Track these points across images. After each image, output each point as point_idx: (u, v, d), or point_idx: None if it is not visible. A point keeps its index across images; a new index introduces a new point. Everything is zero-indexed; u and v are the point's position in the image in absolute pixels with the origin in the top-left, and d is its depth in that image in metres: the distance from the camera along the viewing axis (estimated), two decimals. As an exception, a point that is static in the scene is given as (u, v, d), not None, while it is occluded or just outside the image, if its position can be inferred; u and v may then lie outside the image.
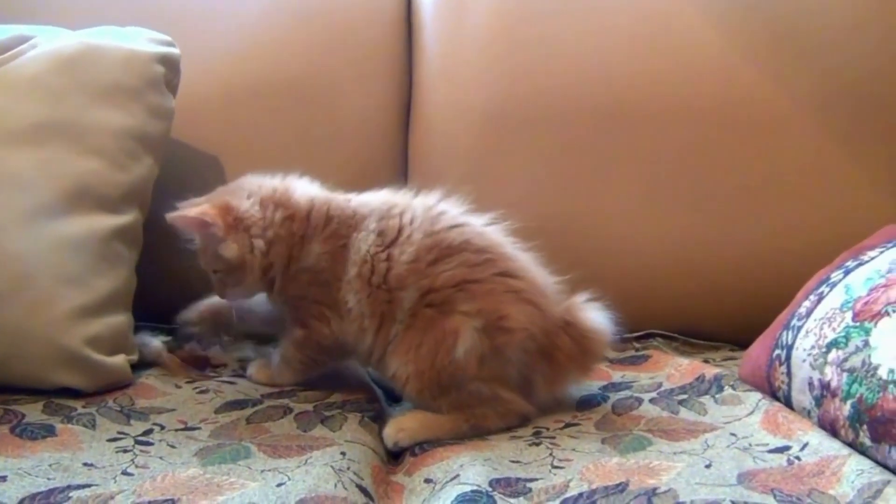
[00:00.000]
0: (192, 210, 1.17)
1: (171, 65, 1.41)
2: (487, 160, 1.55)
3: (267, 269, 1.20)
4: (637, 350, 1.45)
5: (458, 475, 0.93)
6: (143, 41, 1.40)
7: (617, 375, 1.32)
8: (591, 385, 1.26)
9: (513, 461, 0.99)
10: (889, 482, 0.86)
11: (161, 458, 0.99)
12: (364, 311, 1.15)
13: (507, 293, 1.12)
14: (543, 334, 1.12)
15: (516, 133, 1.55)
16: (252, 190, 1.22)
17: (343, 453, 0.98)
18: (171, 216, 1.17)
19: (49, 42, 1.34)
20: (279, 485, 0.90)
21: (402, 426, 1.10)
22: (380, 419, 1.14)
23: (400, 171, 1.61)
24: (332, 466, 0.94)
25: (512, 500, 0.88)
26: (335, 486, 0.89)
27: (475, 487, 0.89)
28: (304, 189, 1.25)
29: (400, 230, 1.15)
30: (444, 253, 1.12)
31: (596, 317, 1.16)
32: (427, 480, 0.96)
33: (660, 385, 1.24)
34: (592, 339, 1.15)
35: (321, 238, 1.18)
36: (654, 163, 1.52)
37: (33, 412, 1.10)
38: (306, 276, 1.19)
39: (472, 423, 1.09)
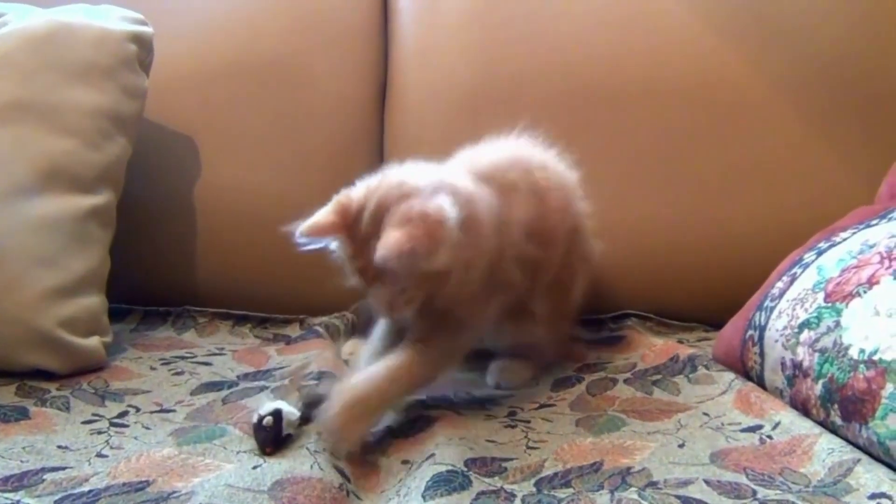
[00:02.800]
0: (386, 243, 0.93)
1: (144, 43, 1.40)
2: (463, 141, 1.53)
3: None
4: (612, 330, 1.45)
5: (433, 454, 0.93)
6: (115, 19, 1.38)
7: (592, 356, 1.32)
8: (567, 366, 1.27)
9: (488, 441, 1.00)
10: (859, 460, 0.87)
11: (136, 437, 0.98)
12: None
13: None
14: None
15: (492, 114, 1.54)
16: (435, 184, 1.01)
17: (318, 433, 0.98)
18: (384, 257, 0.92)
19: (20, 20, 1.32)
20: (255, 467, 0.89)
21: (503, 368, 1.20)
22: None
23: (376, 152, 1.60)
24: (307, 448, 0.94)
25: (487, 480, 0.89)
26: (311, 467, 0.89)
27: (450, 467, 0.89)
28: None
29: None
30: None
31: None
32: (404, 461, 0.96)
33: (634, 365, 1.25)
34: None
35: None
36: (628, 144, 1.53)
37: (6, 394, 1.10)
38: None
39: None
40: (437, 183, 1.00)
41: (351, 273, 1.01)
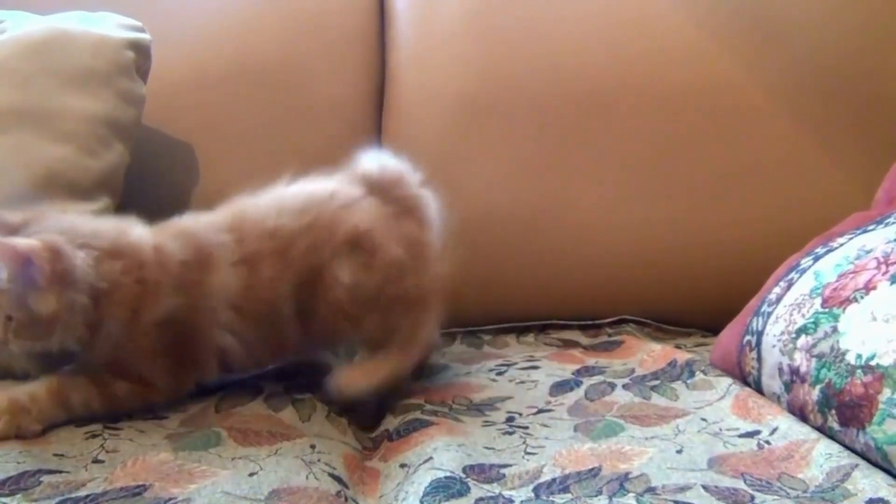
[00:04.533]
0: (20, 242, 0.95)
1: (141, 50, 1.40)
2: (460, 146, 1.55)
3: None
4: (610, 336, 1.45)
5: (431, 458, 0.93)
6: (113, 26, 1.38)
7: (590, 361, 1.32)
8: (565, 370, 1.27)
9: (487, 447, 0.99)
10: (856, 466, 0.87)
11: (131, 439, 0.98)
12: None
13: None
14: None
15: (490, 119, 1.55)
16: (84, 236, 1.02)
17: (313, 446, 0.98)
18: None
19: (17, 27, 1.32)
20: (251, 474, 0.89)
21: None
22: (347, 413, 1.13)
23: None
24: (302, 459, 0.93)
25: (486, 486, 0.89)
26: (307, 477, 0.89)
27: (449, 473, 0.89)
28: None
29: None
30: None
31: None
32: (402, 465, 0.96)
33: (632, 371, 1.25)
34: None
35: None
36: (625, 149, 1.53)
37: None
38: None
39: None
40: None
41: None
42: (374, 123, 1.62)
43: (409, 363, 1.16)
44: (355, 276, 1.10)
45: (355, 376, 1.12)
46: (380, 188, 1.16)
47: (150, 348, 1.06)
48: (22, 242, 0.94)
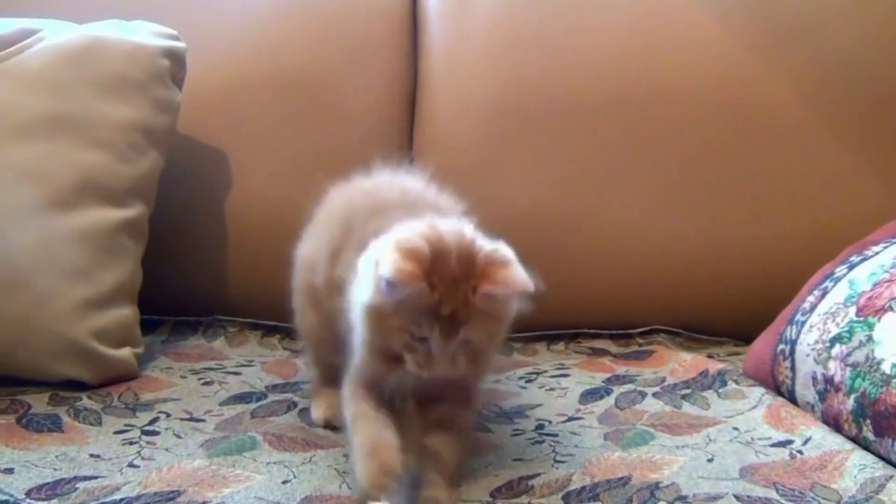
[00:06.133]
0: (522, 275, 0.89)
1: (176, 58, 1.41)
2: (492, 155, 1.55)
3: None
4: (641, 345, 1.45)
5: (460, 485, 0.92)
6: (148, 35, 1.40)
7: (620, 370, 1.32)
8: (595, 379, 1.27)
9: (515, 459, 0.99)
10: (892, 477, 0.87)
11: (167, 449, 0.99)
12: None
13: None
14: None
15: (521, 128, 1.55)
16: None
17: (346, 455, 0.97)
18: (491, 291, 0.88)
19: (55, 35, 1.34)
20: (285, 482, 0.90)
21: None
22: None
23: (405, 164, 1.61)
24: (335, 469, 0.94)
25: (514, 501, 0.89)
26: (340, 486, 0.90)
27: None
28: None
29: None
30: None
31: None
32: None
33: (663, 380, 1.25)
34: None
35: None
36: (658, 158, 1.52)
37: (39, 403, 1.11)
38: None
39: None
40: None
41: (415, 327, 0.89)
42: (406, 130, 1.63)
43: None
44: None
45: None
46: None
47: None
48: (516, 278, 0.89)
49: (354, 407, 0.96)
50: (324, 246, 1.07)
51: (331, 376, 1.09)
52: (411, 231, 0.91)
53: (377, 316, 0.90)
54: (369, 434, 0.92)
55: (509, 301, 0.91)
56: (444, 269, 0.88)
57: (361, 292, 0.91)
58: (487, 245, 0.91)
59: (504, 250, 0.91)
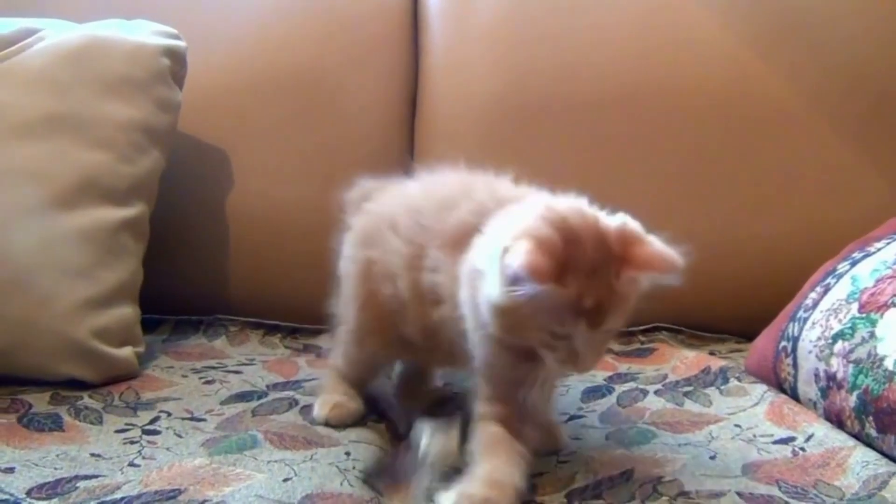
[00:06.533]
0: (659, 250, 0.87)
1: (177, 58, 1.41)
2: (493, 153, 1.52)
3: None
4: (643, 343, 1.45)
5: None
6: (149, 34, 1.40)
7: (623, 367, 1.32)
8: (596, 377, 1.26)
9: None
10: (894, 474, 0.87)
11: (168, 448, 0.99)
12: None
13: None
14: None
15: (522, 127, 1.55)
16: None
17: (348, 453, 0.98)
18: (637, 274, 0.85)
19: (56, 35, 1.34)
20: (285, 479, 0.90)
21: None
22: (384, 420, 1.13)
23: (406, 168, 1.60)
24: (337, 466, 0.94)
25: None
26: (341, 483, 0.90)
27: None
28: None
29: None
30: None
31: None
32: None
33: (665, 377, 1.24)
34: None
35: None
36: (660, 155, 1.52)
37: (40, 403, 1.11)
38: None
39: None
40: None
41: (556, 324, 0.83)
42: (408, 129, 1.63)
43: None
44: None
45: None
46: None
47: None
48: (673, 258, 0.87)
49: (483, 430, 0.90)
50: (394, 253, 1.00)
51: (362, 377, 1.12)
52: (533, 217, 0.84)
53: (509, 314, 0.83)
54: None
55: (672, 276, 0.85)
56: (580, 259, 0.81)
57: (489, 290, 0.83)
58: (613, 221, 0.86)
59: (631, 224, 0.86)
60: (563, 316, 0.82)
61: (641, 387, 1.21)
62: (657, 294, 1.47)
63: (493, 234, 0.86)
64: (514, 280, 0.78)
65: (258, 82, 1.58)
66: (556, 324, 0.82)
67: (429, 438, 0.87)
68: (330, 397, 1.11)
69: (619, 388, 1.21)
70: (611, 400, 1.17)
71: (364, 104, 1.61)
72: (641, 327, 1.48)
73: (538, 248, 0.79)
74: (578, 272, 0.81)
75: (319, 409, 1.10)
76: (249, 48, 1.61)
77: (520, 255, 0.78)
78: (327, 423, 1.08)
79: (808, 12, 1.56)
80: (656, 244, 0.85)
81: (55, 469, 0.92)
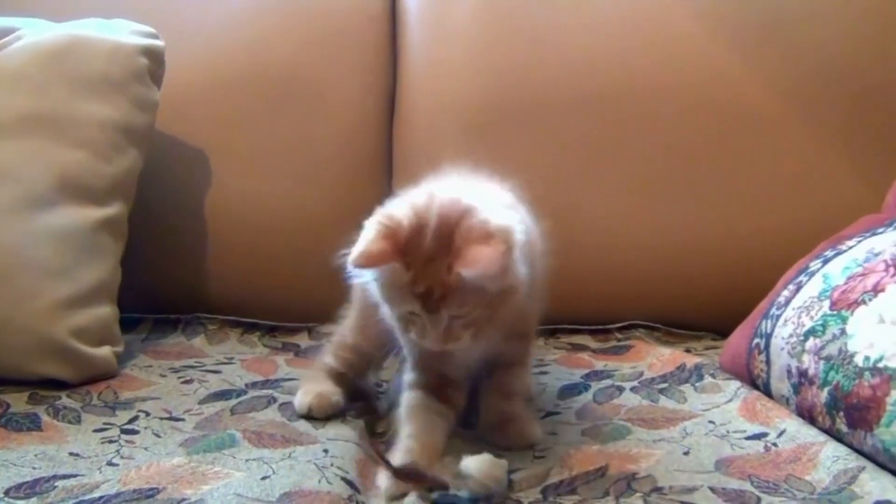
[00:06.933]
0: (487, 254, 0.87)
1: (155, 57, 1.41)
2: (472, 153, 1.53)
3: None
4: (619, 340, 1.46)
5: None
6: (127, 33, 1.40)
7: (599, 365, 1.33)
8: (573, 374, 1.27)
9: (494, 455, 1.00)
10: (864, 468, 0.88)
11: (146, 448, 0.99)
12: None
13: None
14: None
15: (501, 126, 1.55)
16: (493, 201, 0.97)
17: (326, 451, 0.98)
18: (474, 275, 0.87)
19: (34, 34, 1.34)
20: (264, 477, 0.90)
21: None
22: (363, 416, 1.13)
23: (384, 164, 1.61)
24: (315, 464, 0.94)
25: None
26: (319, 481, 0.90)
27: None
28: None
29: None
30: None
31: None
32: None
33: (641, 374, 1.26)
34: None
35: None
36: (637, 154, 1.53)
37: (18, 402, 1.11)
38: None
39: None
40: (494, 200, 0.97)
41: (400, 303, 0.92)
42: (386, 129, 1.63)
43: None
44: None
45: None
46: None
47: None
48: (479, 258, 0.87)
49: (406, 395, 1.02)
50: None
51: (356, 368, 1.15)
52: (405, 202, 0.94)
53: (375, 291, 0.94)
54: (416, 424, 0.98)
55: (491, 278, 0.88)
56: (421, 247, 0.89)
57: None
58: (481, 216, 0.90)
59: (497, 221, 0.90)
60: (402, 296, 0.91)
61: (617, 384, 1.22)
62: (634, 291, 1.50)
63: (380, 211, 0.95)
64: (354, 264, 0.89)
65: (237, 81, 1.58)
66: (398, 303, 0.92)
67: (478, 463, 0.89)
68: (312, 387, 1.12)
69: (596, 385, 1.22)
70: (587, 397, 1.18)
71: (342, 102, 1.61)
72: (618, 325, 1.49)
73: (380, 235, 0.89)
74: (417, 259, 0.89)
75: (302, 399, 1.11)
76: (228, 47, 1.61)
77: (360, 241, 0.89)
78: (310, 412, 1.09)
79: (786, 13, 1.57)
80: (496, 245, 0.87)
81: (33, 468, 0.92)
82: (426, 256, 0.89)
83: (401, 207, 0.93)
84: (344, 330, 1.17)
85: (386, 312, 0.97)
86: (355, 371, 1.16)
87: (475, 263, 0.86)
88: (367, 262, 0.89)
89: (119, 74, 1.35)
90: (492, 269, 0.87)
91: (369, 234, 0.90)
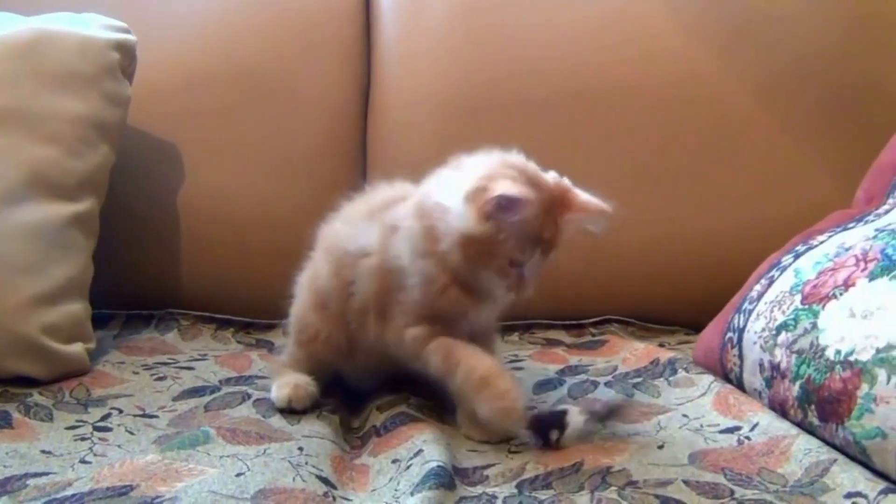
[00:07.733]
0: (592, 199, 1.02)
1: (126, 52, 1.40)
2: (446, 148, 1.52)
3: None
4: (594, 335, 1.46)
5: (421, 450, 0.94)
6: (98, 28, 1.39)
7: (574, 360, 1.33)
8: (548, 369, 1.28)
9: (470, 450, 1.00)
10: (835, 461, 0.89)
11: (119, 445, 0.98)
12: None
13: None
14: None
15: (474, 121, 1.55)
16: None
17: (300, 448, 0.98)
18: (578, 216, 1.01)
19: (2, 28, 1.32)
20: (238, 474, 0.90)
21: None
22: (338, 412, 1.13)
23: (358, 158, 1.61)
24: (289, 461, 0.94)
25: (469, 489, 0.89)
26: (293, 479, 0.90)
27: (440, 463, 0.90)
28: None
29: None
30: None
31: None
32: (394, 461, 0.96)
33: (615, 369, 1.26)
34: None
35: None
36: (610, 151, 1.54)
37: (-12, 401, 1.10)
38: None
39: None
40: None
41: (519, 250, 0.98)
42: (361, 124, 1.63)
43: None
44: None
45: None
46: None
47: None
48: (601, 202, 1.03)
49: (442, 342, 1.03)
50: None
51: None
52: (496, 165, 1.00)
53: (476, 244, 0.96)
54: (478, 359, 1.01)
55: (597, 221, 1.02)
56: (541, 197, 0.97)
57: (460, 222, 0.96)
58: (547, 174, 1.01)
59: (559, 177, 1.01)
60: (525, 244, 0.97)
61: (592, 378, 1.23)
62: (608, 286, 1.51)
63: (454, 176, 1.02)
64: (502, 208, 0.93)
65: (209, 75, 1.57)
66: (517, 251, 0.97)
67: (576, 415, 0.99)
68: (287, 379, 1.12)
69: (570, 381, 1.23)
70: (562, 392, 1.19)
71: (316, 97, 1.61)
72: (592, 320, 1.50)
73: (518, 182, 0.95)
74: (541, 208, 0.96)
75: (279, 391, 1.11)
76: (200, 41, 1.60)
77: (511, 188, 0.93)
78: (290, 404, 1.09)
79: (759, 12, 1.58)
80: (586, 194, 1.01)
81: (4, 467, 0.91)
82: (547, 206, 0.97)
83: (498, 169, 0.99)
84: (299, 317, 1.17)
85: (458, 271, 0.99)
86: (321, 356, 1.15)
87: (587, 208, 1.00)
88: (530, 206, 0.94)
89: (90, 69, 1.34)
90: (603, 209, 1.00)
91: (503, 182, 0.94)
